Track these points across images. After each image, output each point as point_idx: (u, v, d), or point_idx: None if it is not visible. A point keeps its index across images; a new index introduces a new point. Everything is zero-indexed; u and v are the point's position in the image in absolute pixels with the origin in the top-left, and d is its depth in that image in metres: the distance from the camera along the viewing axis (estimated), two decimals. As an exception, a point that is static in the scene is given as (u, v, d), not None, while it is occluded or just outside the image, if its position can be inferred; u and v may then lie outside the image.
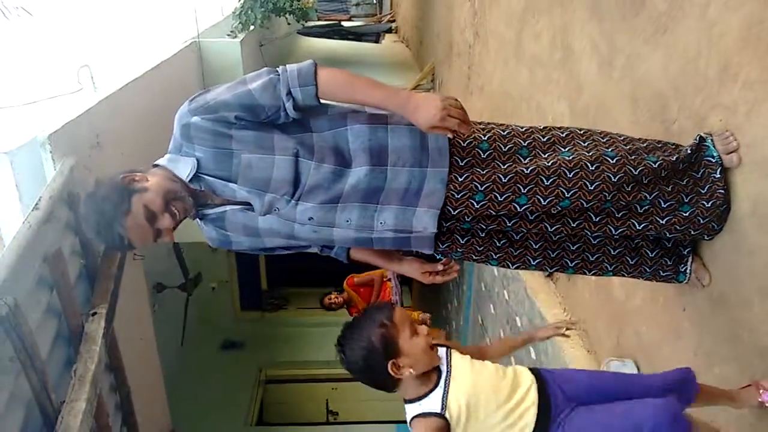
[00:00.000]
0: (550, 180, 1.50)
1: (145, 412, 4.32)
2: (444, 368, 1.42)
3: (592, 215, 1.57)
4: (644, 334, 2.22)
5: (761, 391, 1.53)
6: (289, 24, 8.98)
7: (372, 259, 1.73)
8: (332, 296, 5.83)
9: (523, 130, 1.63)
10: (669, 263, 1.75)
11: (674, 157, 1.59)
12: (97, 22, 7.00)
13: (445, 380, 1.40)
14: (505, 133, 1.60)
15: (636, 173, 1.54)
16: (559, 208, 1.52)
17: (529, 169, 1.51)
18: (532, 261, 1.65)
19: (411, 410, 1.42)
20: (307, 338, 8.47)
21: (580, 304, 2.79)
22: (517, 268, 1.68)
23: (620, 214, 1.58)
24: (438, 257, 1.65)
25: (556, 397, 1.41)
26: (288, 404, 8.24)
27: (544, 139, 1.60)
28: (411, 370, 1.37)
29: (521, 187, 1.50)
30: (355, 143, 1.46)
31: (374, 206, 1.47)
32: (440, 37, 6.64)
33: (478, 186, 1.49)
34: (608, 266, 1.70)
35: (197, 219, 1.58)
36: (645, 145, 1.64)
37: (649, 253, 1.73)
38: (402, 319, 1.40)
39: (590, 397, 1.42)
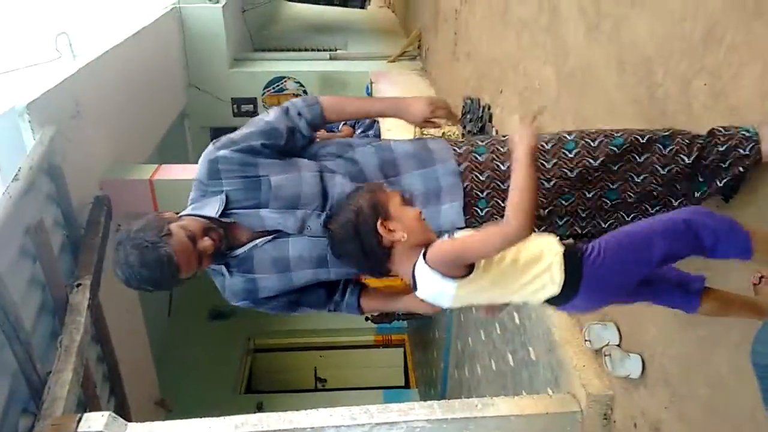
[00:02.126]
0: (551, 163, 1.51)
1: (133, 382, 4.34)
2: None
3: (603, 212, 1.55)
4: (627, 298, 2.24)
5: None
6: (272, -11, 8.79)
7: (382, 304, 1.74)
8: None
9: None
10: None
11: (692, 139, 1.52)
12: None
13: None
14: (504, 138, 1.59)
15: (644, 140, 1.51)
16: (564, 202, 1.53)
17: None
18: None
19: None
20: (294, 307, 8.51)
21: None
22: None
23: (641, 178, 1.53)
24: None
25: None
26: (276, 372, 8.32)
27: (549, 147, 1.55)
28: (404, 235, 1.25)
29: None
30: (366, 160, 1.56)
31: None
32: (426, 2, 6.54)
33: (479, 194, 1.52)
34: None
35: (222, 275, 1.55)
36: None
37: None
38: (392, 192, 1.33)
39: None
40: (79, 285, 3.35)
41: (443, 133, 3.58)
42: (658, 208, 1.57)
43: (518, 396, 2.62)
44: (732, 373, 1.68)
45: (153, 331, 5.49)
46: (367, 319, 6.80)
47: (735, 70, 1.58)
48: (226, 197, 1.47)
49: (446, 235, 1.25)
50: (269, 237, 1.50)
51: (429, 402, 2.42)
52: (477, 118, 4.01)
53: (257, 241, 1.50)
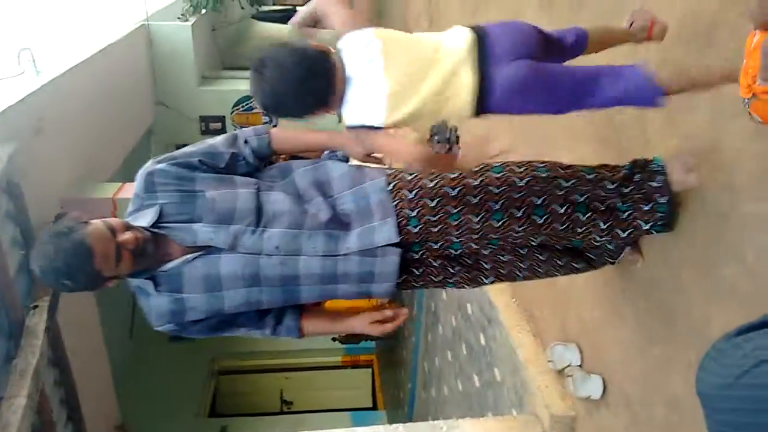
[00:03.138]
0: (478, 198, 1.55)
1: (92, 406, 4.21)
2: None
3: (537, 217, 1.58)
4: (587, 318, 2.28)
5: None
6: (242, 8, 8.80)
7: (324, 326, 1.71)
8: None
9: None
10: (602, 257, 1.82)
11: (615, 172, 1.62)
12: (40, 3, 6.71)
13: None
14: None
15: (568, 185, 1.58)
16: (494, 223, 1.56)
17: (456, 191, 1.55)
18: (485, 280, 1.71)
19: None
20: (261, 328, 8.40)
21: (527, 290, 2.85)
22: (473, 288, 1.74)
23: (562, 227, 1.60)
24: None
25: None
26: (241, 395, 8.17)
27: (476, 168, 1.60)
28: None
29: (451, 208, 1.54)
30: (303, 184, 1.57)
31: (338, 232, 1.51)
32: (395, 24, 6.62)
33: (409, 212, 1.54)
34: (541, 271, 1.75)
35: (148, 294, 1.51)
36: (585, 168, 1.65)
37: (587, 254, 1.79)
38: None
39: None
40: (35, 307, 3.26)
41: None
42: (585, 228, 1.60)
43: (483, 417, 2.62)
44: (688, 393, 1.72)
45: (114, 353, 5.35)
46: (334, 339, 6.75)
47: (688, 97, 1.64)
48: (161, 210, 1.46)
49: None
50: (200, 252, 1.47)
51: (395, 425, 2.41)
52: (444, 140, 4.05)
53: (188, 256, 1.46)
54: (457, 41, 1.39)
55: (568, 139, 2.35)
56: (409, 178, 1.57)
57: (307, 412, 7.77)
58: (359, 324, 1.66)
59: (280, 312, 1.62)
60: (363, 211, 1.53)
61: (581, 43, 1.60)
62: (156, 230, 1.45)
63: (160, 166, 1.49)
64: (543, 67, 1.38)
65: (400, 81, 1.36)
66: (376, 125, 1.38)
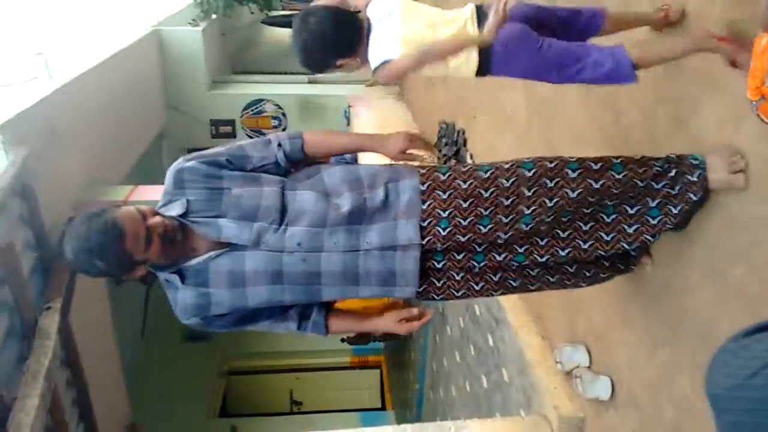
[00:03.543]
0: (510, 200, 1.53)
1: (104, 406, 4.25)
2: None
3: (560, 232, 1.57)
4: (595, 319, 2.29)
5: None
6: (252, 13, 8.84)
7: (350, 325, 1.74)
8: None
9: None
10: (622, 267, 1.79)
11: (644, 163, 1.56)
12: (53, 9, 6.79)
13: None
14: (465, 169, 1.61)
15: (598, 186, 1.53)
16: (523, 226, 1.53)
17: (489, 192, 1.54)
18: (512, 293, 1.71)
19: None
20: (270, 329, 8.43)
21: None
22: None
23: (588, 227, 1.57)
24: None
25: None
26: (251, 395, 8.21)
27: (507, 166, 1.58)
28: None
29: (482, 210, 1.53)
30: (332, 180, 1.58)
31: (358, 227, 1.52)
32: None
33: (441, 213, 1.53)
34: (567, 282, 1.71)
35: (176, 288, 1.54)
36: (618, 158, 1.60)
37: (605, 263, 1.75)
38: None
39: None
40: (48, 308, 3.30)
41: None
42: (612, 235, 1.57)
43: (492, 418, 2.63)
44: (696, 395, 1.72)
45: (125, 353, 5.40)
46: (342, 340, 6.76)
47: (695, 99, 1.65)
48: (187, 204, 1.49)
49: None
50: (225, 249, 1.50)
51: (403, 426, 2.42)
52: (452, 142, 4.07)
53: (212, 252, 1.49)
54: (465, 9, 1.62)
55: (573, 146, 2.35)
56: (443, 178, 1.56)
57: (316, 413, 7.79)
58: (386, 323, 1.68)
59: (305, 308, 1.65)
60: (391, 207, 1.53)
61: (596, 23, 1.70)
62: (183, 221, 1.48)
63: (189, 164, 1.52)
64: (534, 32, 1.56)
65: (414, 29, 1.56)
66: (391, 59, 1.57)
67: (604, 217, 1.57)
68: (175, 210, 1.49)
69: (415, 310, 1.66)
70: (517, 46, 1.54)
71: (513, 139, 3.04)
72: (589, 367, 2.32)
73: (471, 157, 3.75)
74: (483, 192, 1.53)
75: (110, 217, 1.38)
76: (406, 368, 6.55)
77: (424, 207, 1.53)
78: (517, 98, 2.98)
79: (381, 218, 1.52)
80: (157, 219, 1.43)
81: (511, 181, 1.53)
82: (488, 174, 1.55)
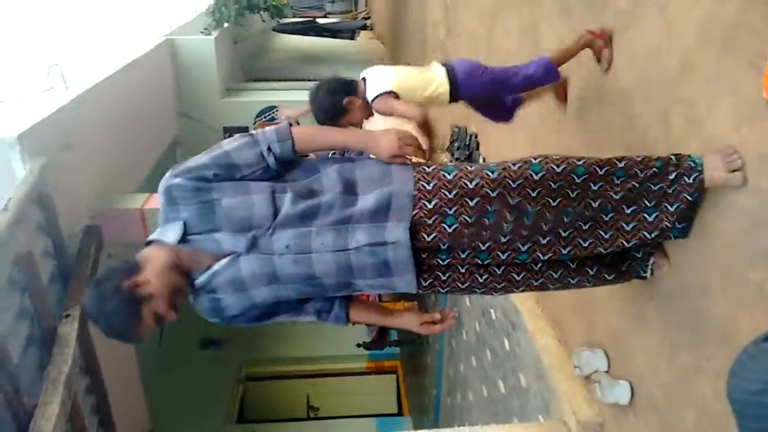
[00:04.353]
0: (516, 200, 1.54)
1: (122, 413, 4.29)
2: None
3: (561, 231, 1.59)
4: (613, 323, 2.27)
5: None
6: (263, 21, 8.92)
7: (371, 317, 1.78)
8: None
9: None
10: (633, 268, 1.81)
11: (645, 165, 1.59)
12: (68, 20, 6.88)
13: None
14: (472, 168, 1.61)
15: (601, 172, 1.57)
16: (526, 221, 1.55)
17: (496, 192, 1.54)
18: (516, 290, 1.71)
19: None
20: (286, 335, 8.47)
21: (551, 296, 2.83)
22: (500, 295, 1.75)
23: (587, 226, 1.60)
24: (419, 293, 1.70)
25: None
26: (268, 401, 8.23)
27: (515, 162, 1.59)
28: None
29: (488, 207, 1.54)
30: (329, 183, 1.57)
31: (346, 226, 1.52)
32: (414, 34, 6.65)
33: (448, 210, 1.54)
34: (571, 281, 1.74)
35: (192, 296, 1.61)
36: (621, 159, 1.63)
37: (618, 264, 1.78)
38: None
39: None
40: (68, 316, 3.33)
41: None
42: (611, 233, 1.61)
43: (509, 423, 2.61)
44: (717, 400, 1.70)
45: (144, 360, 5.44)
46: (359, 345, 6.77)
47: (710, 100, 1.63)
48: (184, 224, 1.50)
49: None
50: (226, 259, 1.53)
51: (421, 431, 2.41)
52: (464, 146, 4.06)
53: (215, 267, 1.53)
54: (435, 65, 2.19)
55: (587, 148, 2.34)
56: (450, 177, 1.56)
57: (333, 418, 7.79)
58: (409, 322, 1.70)
59: (325, 301, 1.68)
60: (381, 208, 1.53)
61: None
62: (185, 244, 1.51)
63: (176, 181, 1.51)
64: (477, 62, 2.18)
65: (402, 71, 2.16)
66: (385, 90, 2.05)
67: (603, 216, 1.60)
68: (174, 235, 1.50)
69: (437, 315, 1.68)
70: (471, 73, 2.14)
71: (526, 142, 3.02)
72: (607, 372, 2.30)
73: (484, 161, 3.74)
74: (490, 192, 1.54)
75: (130, 326, 1.45)
76: (422, 373, 6.53)
77: (430, 206, 1.54)
78: (529, 105, 2.97)
79: (369, 220, 1.53)
80: (172, 316, 1.50)
81: (518, 183, 1.55)
82: (495, 174, 1.55)
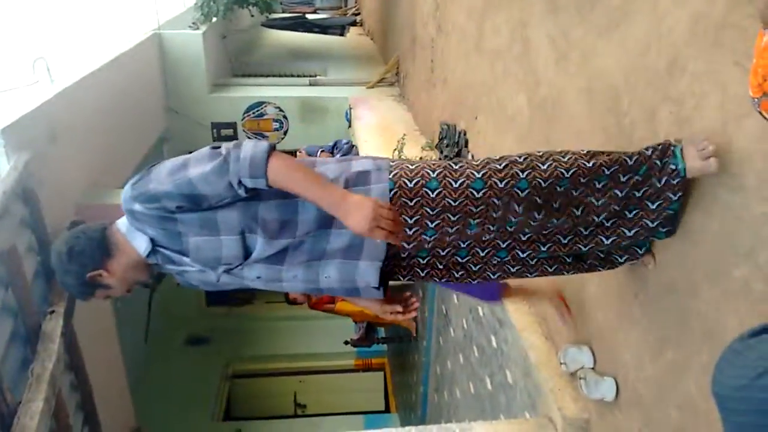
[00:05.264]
0: (498, 213, 1.54)
1: (108, 410, 4.25)
2: None
3: (542, 234, 1.62)
4: (599, 320, 2.28)
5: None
6: (252, 16, 8.87)
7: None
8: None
9: (478, 162, 1.58)
10: (619, 260, 1.83)
11: (633, 159, 1.60)
12: (54, 13, 6.81)
13: None
14: (458, 166, 1.56)
15: (590, 166, 1.57)
16: (509, 229, 1.57)
17: (479, 208, 1.52)
18: (492, 277, 1.74)
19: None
20: (273, 332, 8.45)
21: (539, 292, 2.85)
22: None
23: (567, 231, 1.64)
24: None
25: None
26: (255, 398, 8.20)
27: (501, 167, 1.55)
28: None
29: (471, 220, 1.54)
30: (305, 214, 1.47)
31: (317, 262, 1.52)
32: (404, 30, 6.65)
33: (429, 223, 1.54)
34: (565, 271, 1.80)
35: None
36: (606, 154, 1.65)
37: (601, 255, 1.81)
38: None
39: None
40: (52, 312, 3.30)
41: (420, 158, 3.62)
42: (591, 229, 1.65)
43: (496, 420, 2.62)
44: (702, 396, 1.71)
45: (129, 357, 5.40)
46: (346, 342, 6.76)
47: (698, 98, 1.64)
48: (152, 239, 1.48)
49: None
50: (195, 269, 1.54)
51: (407, 428, 2.42)
52: (453, 143, 4.06)
53: (185, 267, 1.54)
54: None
55: (576, 146, 2.35)
56: (432, 196, 1.51)
57: (320, 416, 7.78)
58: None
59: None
60: (356, 246, 1.51)
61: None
62: (154, 254, 1.51)
63: (137, 207, 1.41)
64: None
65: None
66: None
67: (586, 220, 1.61)
68: (142, 245, 1.48)
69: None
70: None
71: (515, 140, 3.03)
72: (593, 368, 2.32)
73: (472, 158, 3.74)
74: (473, 209, 1.53)
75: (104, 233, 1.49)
76: (410, 370, 6.54)
77: (411, 221, 1.53)
78: (518, 99, 2.98)
79: (341, 255, 1.51)
80: (126, 294, 1.58)
81: (503, 200, 1.53)
82: (481, 194, 1.51)
